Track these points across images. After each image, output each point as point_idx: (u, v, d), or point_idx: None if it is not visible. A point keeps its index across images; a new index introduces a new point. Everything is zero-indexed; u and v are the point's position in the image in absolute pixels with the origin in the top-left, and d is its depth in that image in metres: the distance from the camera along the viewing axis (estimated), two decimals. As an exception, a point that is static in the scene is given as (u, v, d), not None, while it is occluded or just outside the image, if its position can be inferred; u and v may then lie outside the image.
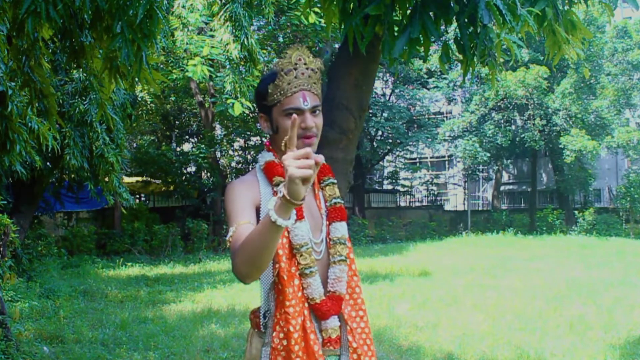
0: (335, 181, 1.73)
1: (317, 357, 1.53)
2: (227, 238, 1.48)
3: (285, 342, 1.53)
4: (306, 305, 1.57)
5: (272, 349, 1.56)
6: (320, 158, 1.25)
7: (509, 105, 21.09)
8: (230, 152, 20.95)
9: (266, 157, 1.68)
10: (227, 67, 8.06)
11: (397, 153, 25.82)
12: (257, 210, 1.61)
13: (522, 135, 20.92)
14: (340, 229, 1.66)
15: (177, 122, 22.77)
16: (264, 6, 7.84)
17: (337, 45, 13.51)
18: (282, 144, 1.15)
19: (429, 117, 25.46)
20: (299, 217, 1.59)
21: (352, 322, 1.65)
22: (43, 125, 4.33)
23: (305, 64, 1.60)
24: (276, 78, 1.59)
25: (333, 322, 1.61)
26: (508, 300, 7.47)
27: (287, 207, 1.25)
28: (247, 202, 1.56)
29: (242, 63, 7.41)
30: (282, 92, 1.58)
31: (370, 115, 21.12)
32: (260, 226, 1.31)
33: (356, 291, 1.67)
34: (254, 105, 12.83)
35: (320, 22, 9.95)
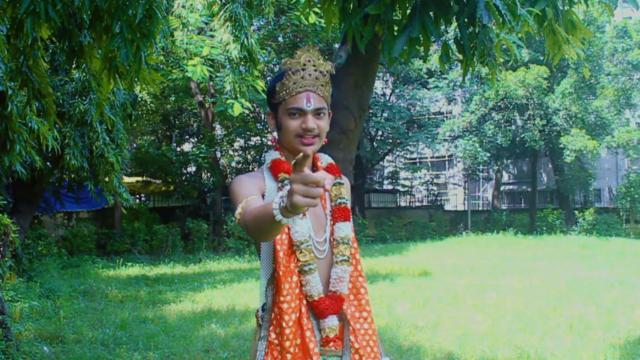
0: (342, 181, 1.73)
1: (312, 355, 1.51)
2: (235, 214, 1.50)
3: (279, 338, 1.54)
4: (305, 302, 1.57)
5: (268, 342, 1.56)
6: (330, 179, 1.18)
7: (509, 105, 21.08)
8: (230, 152, 20.96)
9: (273, 155, 1.70)
10: (227, 67, 8.05)
11: (397, 153, 25.81)
12: (263, 197, 1.64)
13: (522, 135, 20.91)
14: (344, 229, 1.65)
15: (177, 122, 22.78)
16: (264, 6, 7.83)
17: (336, 45, 13.51)
18: (292, 164, 1.13)
19: (429, 117, 25.42)
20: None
21: (355, 322, 1.63)
22: (43, 125, 4.32)
23: (314, 65, 1.62)
24: (284, 77, 1.61)
25: (331, 321, 1.60)
26: (508, 300, 7.46)
27: (288, 213, 1.23)
28: (254, 187, 1.59)
29: (242, 63, 7.39)
30: (287, 91, 1.60)
31: (370, 115, 21.11)
32: (265, 213, 1.29)
33: (361, 292, 1.66)
34: (254, 105, 12.89)
35: (320, 22, 9.93)
